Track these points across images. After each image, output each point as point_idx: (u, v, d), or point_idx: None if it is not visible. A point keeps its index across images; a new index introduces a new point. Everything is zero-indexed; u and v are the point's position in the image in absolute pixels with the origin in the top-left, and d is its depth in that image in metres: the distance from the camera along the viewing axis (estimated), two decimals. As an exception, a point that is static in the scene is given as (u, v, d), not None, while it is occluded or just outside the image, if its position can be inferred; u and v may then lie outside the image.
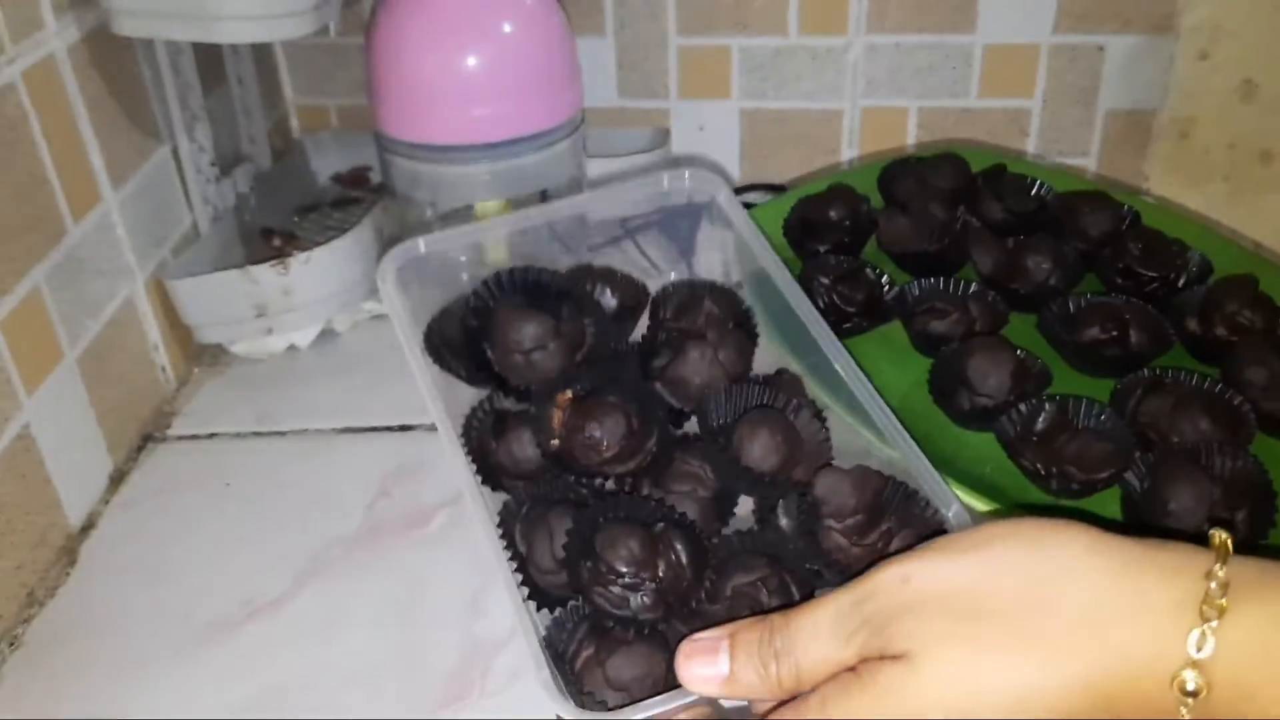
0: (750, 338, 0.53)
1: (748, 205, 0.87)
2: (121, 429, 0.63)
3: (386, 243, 0.76)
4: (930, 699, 0.34)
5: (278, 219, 0.80)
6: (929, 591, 0.36)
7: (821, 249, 0.68)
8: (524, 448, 0.49)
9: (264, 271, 0.68)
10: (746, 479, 0.47)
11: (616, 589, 0.42)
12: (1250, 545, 0.47)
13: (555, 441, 0.47)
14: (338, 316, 0.73)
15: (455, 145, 0.67)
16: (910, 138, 0.88)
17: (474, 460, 0.49)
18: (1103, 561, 0.35)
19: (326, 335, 0.73)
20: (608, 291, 0.56)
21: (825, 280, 0.63)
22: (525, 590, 0.43)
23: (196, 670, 0.49)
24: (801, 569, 0.44)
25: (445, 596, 0.53)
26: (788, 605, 0.41)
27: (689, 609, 0.42)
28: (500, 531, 0.45)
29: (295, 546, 0.56)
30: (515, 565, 0.44)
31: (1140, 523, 0.49)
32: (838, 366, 0.50)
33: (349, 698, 0.48)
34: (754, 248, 0.55)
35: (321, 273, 0.70)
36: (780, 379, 0.53)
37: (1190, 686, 0.32)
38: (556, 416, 0.48)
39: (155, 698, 0.48)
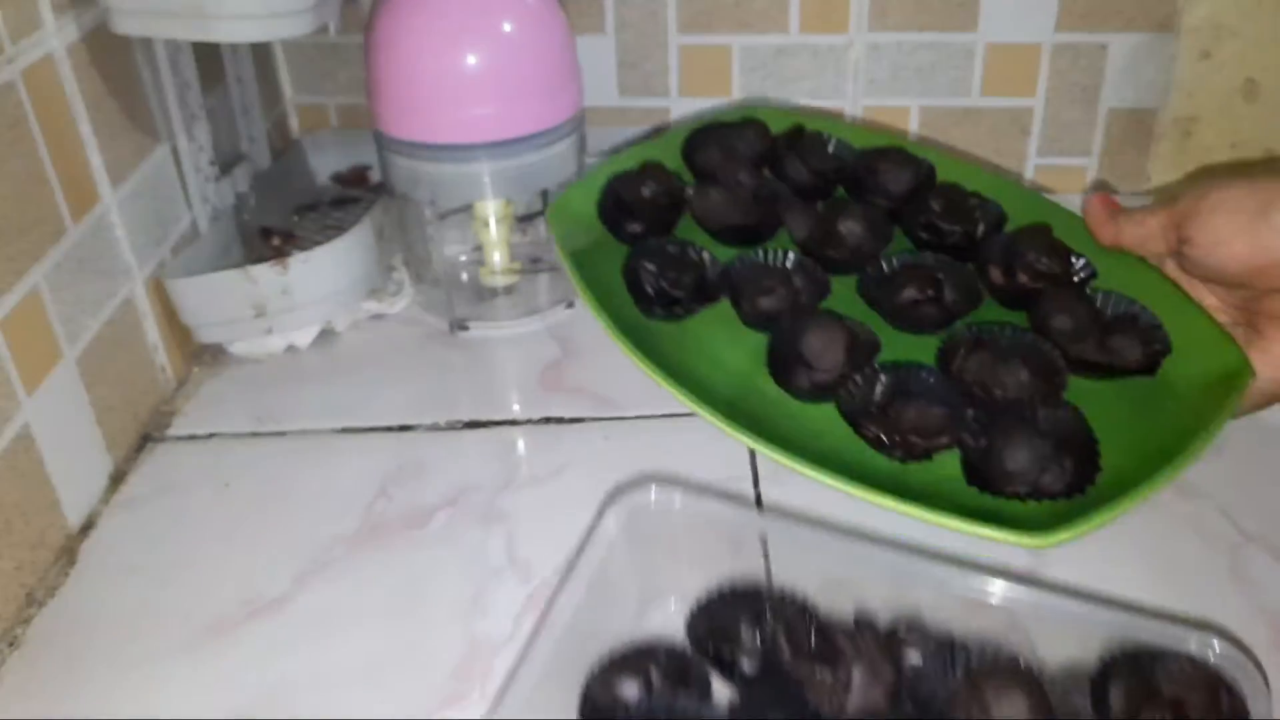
0: (866, 620, 0.47)
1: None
2: (121, 429, 0.63)
3: (386, 243, 0.76)
4: None
5: (277, 218, 0.80)
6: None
7: (638, 228, 0.68)
8: None
9: (263, 271, 0.67)
10: None
11: None
12: (1079, 488, 0.51)
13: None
14: (337, 316, 0.73)
15: (455, 144, 0.66)
16: (912, 137, 0.88)
17: None
18: None
19: (326, 335, 0.73)
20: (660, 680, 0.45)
21: (651, 267, 0.63)
22: None
23: (196, 670, 0.49)
24: None
25: (445, 596, 0.53)
26: None
27: None
28: None
29: (295, 546, 0.56)
30: None
31: (982, 483, 0.52)
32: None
33: (349, 698, 0.48)
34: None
35: (321, 272, 0.69)
36: (897, 631, 0.46)
37: None
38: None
39: (155, 698, 0.48)
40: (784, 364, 0.59)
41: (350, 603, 0.53)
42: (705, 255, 0.65)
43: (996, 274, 0.64)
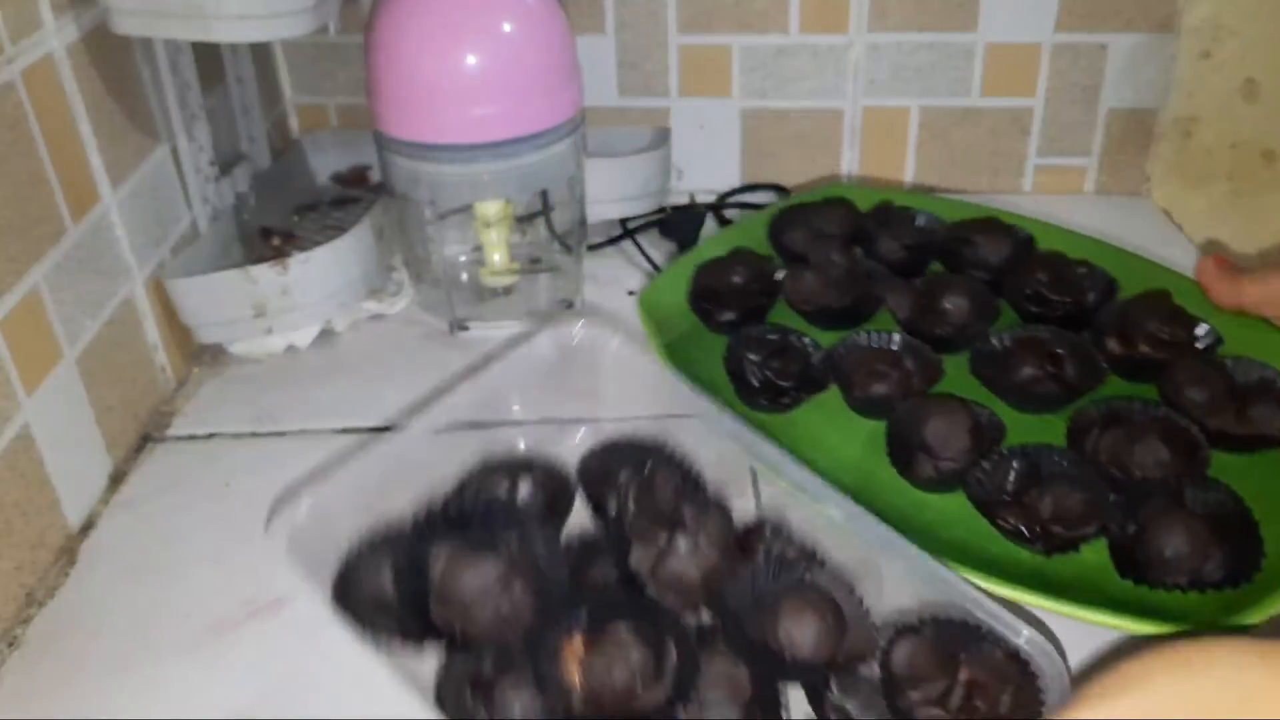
0: (721, 502, 0.49)
1: (745, 206, 0.87)
2: (121, 429, 0.63)
3: (386, 243, 0.76)
4: None
5: (277, 218, 0.80)
6: None
7: (731, 316, 0.67)
8: (527, 711, 0.42)
9: (263, 271, 0.67)
10: (797, 669, 0.43)
11: None
12: (1245, 576, 0.47)
13: (575, 695, 0.41)
14: (337, 316, 0.73)
15: (455, 145, 0.66)
16: (912, 137, 0.88)
17: None
18: (1268, 680, 0.33)
19: (326, 335, 0.73)
20: (526, 487, 0.51)
21: (754, 358, 0.62)
22: None
23: (197, 670, 0.49)
24: None
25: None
26: None
27: None
28: None
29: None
30: None
31: (1137, 574, 0.49)
32: (834, 509, 0.48)
33: (349, 697, 0.48)
34: (678, 389, 0.53)
35: (321, 272, 0.69)
36: (762, 532, 0.48)
37: None
38: (573, 669, 0.41)
39: (155, 698, 0.48)
40: (905, 452, 0.56)
41: (350, 603, 0.53)
42: (808, 341, 0.63)
43: (1114, 344, 0.62)
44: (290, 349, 0.72)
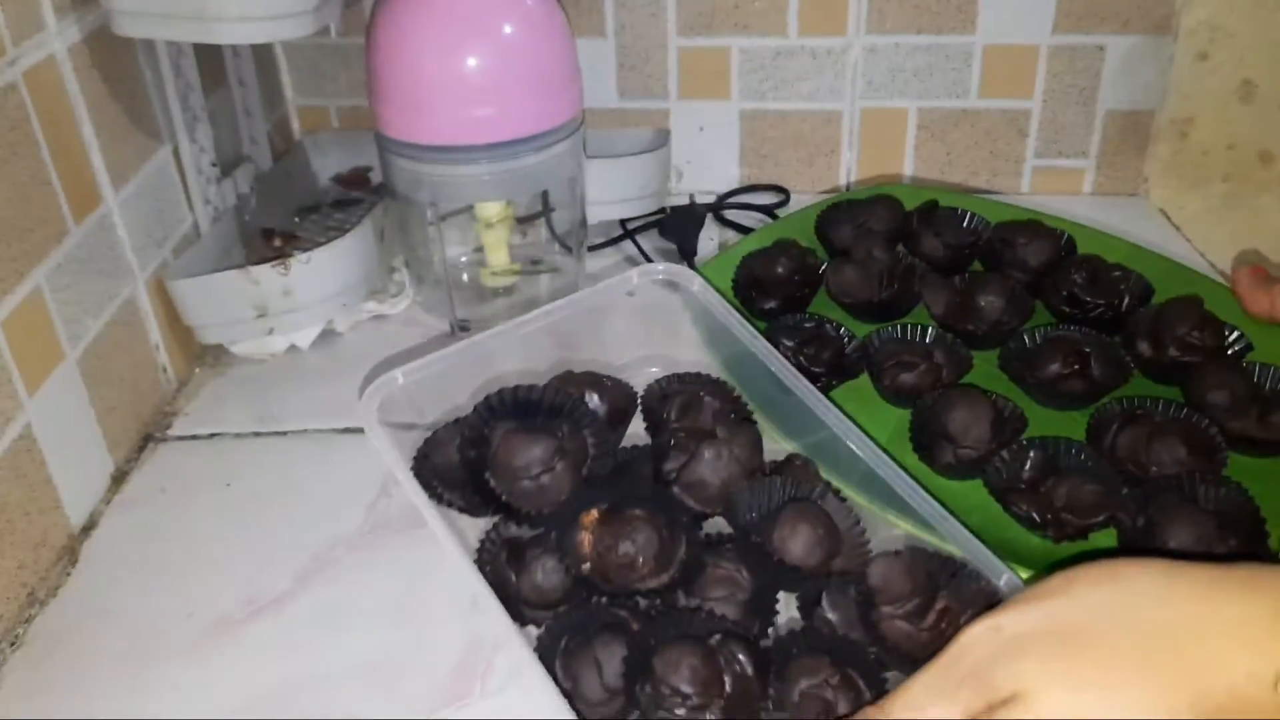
0: (755, 427, 0.54)
1: (745, 207, 0.87)
2: (123, 429, 0.63)
3: (387, 244, 0.76)
4: None
5: (278, 219, 0.80)
6: (1024, 634, 0.36)
7: (772, 304, 0.69)
8: (548, 576, 0.48)
9: (265, 272, 0.68)
10: (790, 576, 0.46)
11: (683, 711, 0.40)
12: None
13: (587, 565, 0.46)
14: (338, 317, 0.73)
15: (455, 146, 0.67)
16: (910, 138, 0.88)
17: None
18: (1185, 585, 0.36)
19: (327, 335, 0.73)
20: (595, 398, 0.56)
21: (789, 343, 0.63)
22: None
23: (198, 670, 0.50)
24: (865, 661, 0.43)
25: (446, 596, 0.53)
26: (858, 702, 0.41)
27: None
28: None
29: (296, 546, 0.56)
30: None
31: None
32: (854, 446, 0.51)
33: (349, 697, 0.48)
34: (740, 334, 0.56)
35: (322, 273, 0.70)
36: (793, 465, 0.53)
37: None
38: (586, 539, 0.47)
39: (156, 697, 0.48)
40: (928, 439, 0.58)
41: (351, 602, 0.53)
42: (843, 331, 0.65)
43: (1145, 347, 0.63)
44: (292, 349, 0.72)
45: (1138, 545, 0.50)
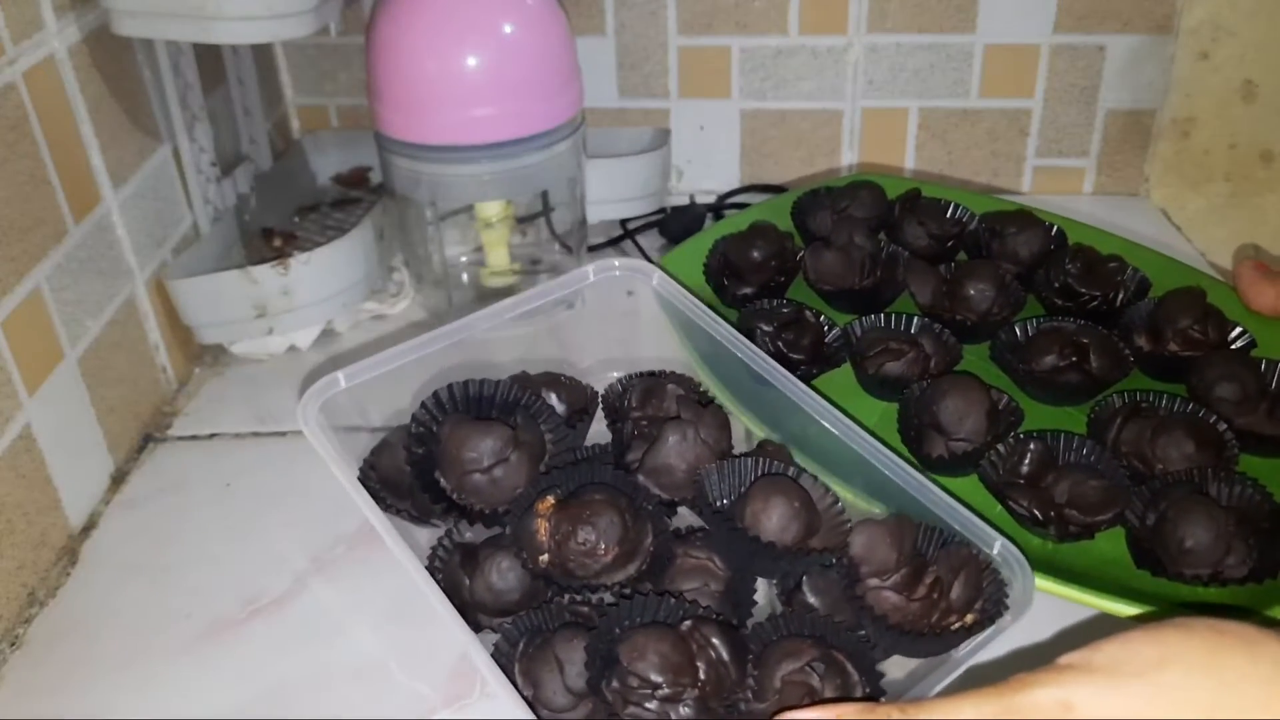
0: (722, 410, 0.50)
1: (745, 206, 0.87)
2: (122, 429, 0.63)
3: (387, 243, 0.76)
4: None
5: (278, 219, 0.80)
6: None
7: (747, 291, 0.65)
8: (503, 577, 0.44)
9: (264, 272, 0.68)
10: (765, 557, 0.43)
11: (654, 705, 0.36)
12: (1270, 572, 0.46)
13: (544, 556, 0.42)
14: (338, 317, 0.73)
15: (455, 145, 0.67)
16: (910, 138, 0.88)
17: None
18: None
19: (327, 335, 0.73)
20: (554, 397, 0.53)
21: (766, 328, 0.60)
22: None
23: (198, 670, 0.50)
24: (852, 642, 0.40)
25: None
26: (846, 686, 0.37)
27: (736, 711, 0.38)
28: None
29: (296, 546, 0.56)
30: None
31: (1154, 565, 0.48)
32: (832, 428, 0.48)
33: (349, 697, 0.48)
34: (706, 324, 0.53)
35: (322, 273, 0.70)
36: (765, 450, 0.49)
37: None
38: (541, 526, 0.43)
39: (156, 698, 0.48)
40: (916, 431, 0.54)
41: (351, 602, 0.53)
42: (823, 317, 0.62)
43: (1144, 341, 0.60)
44: (291, 349, 0.72)
45: (1147, 545, 0.48)
